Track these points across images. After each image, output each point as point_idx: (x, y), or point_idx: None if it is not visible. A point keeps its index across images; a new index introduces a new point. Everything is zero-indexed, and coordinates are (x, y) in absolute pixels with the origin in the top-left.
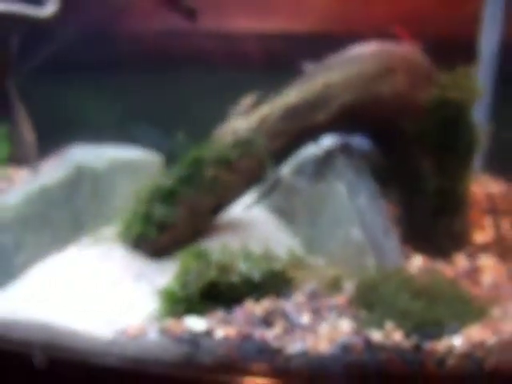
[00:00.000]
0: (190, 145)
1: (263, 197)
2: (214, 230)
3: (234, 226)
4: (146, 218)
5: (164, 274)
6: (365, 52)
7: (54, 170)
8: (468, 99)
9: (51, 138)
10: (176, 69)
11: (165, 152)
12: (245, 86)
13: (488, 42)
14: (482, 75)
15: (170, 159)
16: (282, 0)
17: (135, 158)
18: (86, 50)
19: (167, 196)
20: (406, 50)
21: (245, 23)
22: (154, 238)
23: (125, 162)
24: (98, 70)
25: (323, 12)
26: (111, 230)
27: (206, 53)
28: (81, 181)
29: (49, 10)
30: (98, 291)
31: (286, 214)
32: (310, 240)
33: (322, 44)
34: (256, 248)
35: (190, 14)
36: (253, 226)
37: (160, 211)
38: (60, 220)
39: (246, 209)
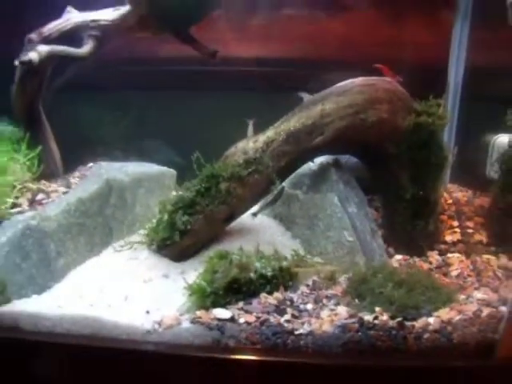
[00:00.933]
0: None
1: (268, 206)
2: (227, 234)
3: (244, 231)
4: (170, 225)
5: (186, 273)
6: (354, 85)
7: (87, 184)
8: (438, 124)
9: (74, 154)
10: (192, 91)
11: (176, 166)
12: (250, 108)
13: (454, 70)
14: (450, 100)
15: (182, 173)
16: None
17: (153, 172)
18: (106, 72)
19: (188, 206)
20: (388, 83)
21: (245, 49)
22: (177, 242)
23: (145, 176)
24: (118, 91)
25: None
26: (137, 235)
27: (215, 77)
28: (110, 193)
29: (85, 49)
30: (132, 288)
31: (286, 220)
32: (307, 242)
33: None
34: (264, 249)
35: (211, 54)
36: (259, 230)
37: (182, 219)
38: (93, 228)
39: (254, 216)
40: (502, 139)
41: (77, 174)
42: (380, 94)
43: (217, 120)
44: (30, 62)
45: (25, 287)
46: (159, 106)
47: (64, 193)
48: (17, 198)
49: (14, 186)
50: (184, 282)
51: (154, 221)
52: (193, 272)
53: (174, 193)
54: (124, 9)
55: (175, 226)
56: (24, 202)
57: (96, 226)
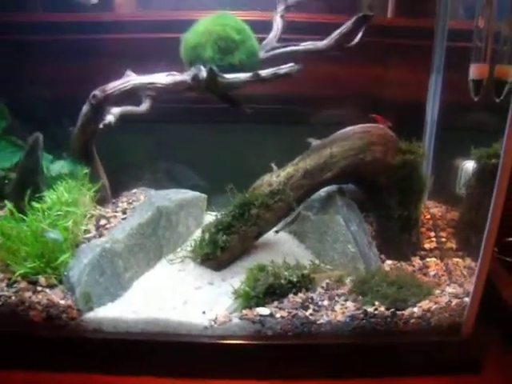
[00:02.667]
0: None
1: (288, 225)
2: (255, 248)
3: (268, 245)
4: (212, 243)
5: (225, 280)
6: (355, 132)
7: (142, 211)
8: (419, 160)
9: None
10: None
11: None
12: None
13: (430, 108)
14: (428, 132)
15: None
16: None
17: (190, 197)
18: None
19: (226, 228)
20: (381, 130)
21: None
22: (218, 256)
23: (184, 201)
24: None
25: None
26: (183, 251)
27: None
28: (160, 217)
29: (144, 107)
30: (187, 294)
31: (300, 235)
32: (318, 253)
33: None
34: (284, 258)
35: (236, 104)
36: (280, 244)
37: (222, 239)
38: (149, 246)
39: (276, 233)
40: (468, 165)
41: (124, 199)
42: (375, 139)
43: (237, 150)
44: (109, 124)
45: (102, 297)
46: (189, 138)
47: (123, 218)
48: (86, 225)
49: (85, 216)
50: (226, 288)
51: (196, 239)
52: (230, 279)
53: (207, 214)
54: (177, 76)
55: (217, 244)
56: (92, 227)
57: (151, 245)
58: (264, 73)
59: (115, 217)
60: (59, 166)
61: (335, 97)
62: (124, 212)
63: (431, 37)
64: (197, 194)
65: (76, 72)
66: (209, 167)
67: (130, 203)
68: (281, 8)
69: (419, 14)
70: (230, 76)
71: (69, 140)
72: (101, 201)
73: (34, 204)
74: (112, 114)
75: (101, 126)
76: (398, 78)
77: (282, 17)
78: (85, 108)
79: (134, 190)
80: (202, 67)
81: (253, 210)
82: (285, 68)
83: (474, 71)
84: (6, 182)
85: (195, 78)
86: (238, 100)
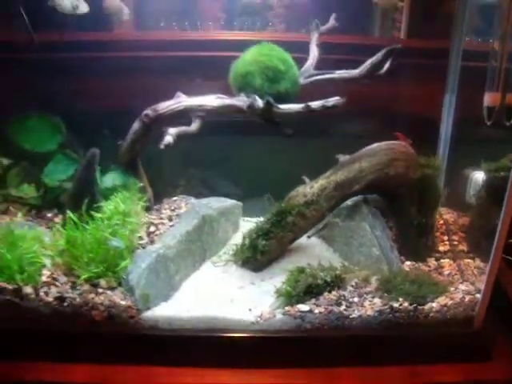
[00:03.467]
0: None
1: (319, 231)
2: (289, 251)
3: (301, 248)
4: (253, 248)
5: (265, 281)
6: (381, 148)
7: (189, 219)
8: (436, 173)
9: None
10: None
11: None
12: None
13: (445, 124)
14: (441, 148)
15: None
16: None
17: (228, 205)
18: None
19: (265, 234)
20: (403, 147)
21: None
22: (257, 259)
23: (224, 209)
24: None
25: None
26: (224, 255)
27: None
28: (204, 224)
29: (194, 127)
30: (233, 293)
31: (329, 240)
32: (345, 255)
33: None
34: (315, 260)
35: (288, 135)
36: (311, 247)
37: (262, 243)
38: (195, 250)
39: (308, 238)
40: (477, 176)
41: (166, 206)
42: (398, 155)
43: (265, 160)
44: (169, 145)
45: (157, 298)
46: (220, 147)
47: (170, 226)
48: (139, 232)
49: (138, 224)
50: (266, 287)
51: (236, 243)
52: (269, 279)
53: (242, 220)
54: (226, 100)
55: (257, 248)
56: (144, 234)
57: (196, 249)
58: (314, 105)
59: (163, 224)
60: (112, 178)
61: (355, 112)
62: (170, 219)
63: (444, 57)
64: (234, 202)
65: (119, 88)
66: (238, 175)
67: (173, 210)
68: (315, 37)
69: (431, 36)
70: (284, 107)
71: (113, 151)
72: (146, 208)
73: (96, 214)
74: (170, 135)
75: (161, 146)
76: (413, 96)
77: (317, 46)
78: (136, 125)
79: (175, 198)
80: (257, 97)
81: (289, 218)
82: (332, 101)
83: (488, 99)
84: (62, 192)
85: (251, 106)
86: (280, 122)
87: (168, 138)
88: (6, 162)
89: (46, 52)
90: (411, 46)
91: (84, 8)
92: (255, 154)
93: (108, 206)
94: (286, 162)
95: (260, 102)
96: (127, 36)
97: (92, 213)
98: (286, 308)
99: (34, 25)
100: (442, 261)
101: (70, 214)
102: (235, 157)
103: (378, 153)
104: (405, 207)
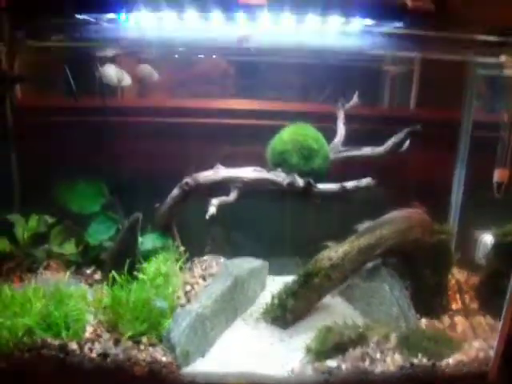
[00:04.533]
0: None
1: (342, 290)
2: (316, 310)
3: (324, 306)
4: (282, 307)
5: (293, 338)
6: (399, 217)
7: (222, 279)
8: (448, 239)
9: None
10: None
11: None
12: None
13: (455, 192)
14: (452, 213)
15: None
16: None
17: (256, 265)
18: None
19: (293, 294)
20: (419, 214)
21: None
22: (286, 317)
23: (252, 269)
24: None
25: None
26: (254, 314)
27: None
28: (236, 285)
29: (232, 197)
30: (263, 349)
31: (350, 299)
32: (366, 313)
33: None
34: (338, 318)
35: (316, 203)
36: (334, 305)
37: (290, 303)
38: (228, 309)
39: (331, 297)
40: (486, 238)
41: (198, 265)
42: (414, 222)
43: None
44: (213, 216)
45: (195, 354)
46: (244, 208)
47: (205, 285)
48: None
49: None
50: (295, 344)
51: (266, 302)
52: (296, 336)
53: (268, 279)
54: (263, 174)
55: (285, 307)
56: (181, 293)
57: (229, 307)
58: (348, 185)
59: (197, 283)
60: (152, 240)
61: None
62: (203, 278)
63: (452, 127)
64: (261, 262)
65: (156, 152)
66: (262, 235)
67: (205, 269)
68: (341, 115)
69: (440, 106)
70: (322, 186)
71: (147, 212)
72: (180, 267)
73: (140, 275)
74: (213, 206)
75: (207, 217)
76: (426, 165)
77: (344, 124)
78: (175, 191)
79: (205, 257)
80: (296, 176)
81: (316, 280)
82: (364, 182)
83: (497, 175)
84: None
85: (291, 184)
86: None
87: (212, 209)
88: (50, 220)
89: (90, 116)
90: (421, 115)
91: (128, 80)
92: (277, 215)
93: (150, 267)
94: (306, 224)
95: (300, 182)
96: (160, 103)
97: (135, 273)
98: (315, 364)
99: (79, 91)
100: (455, 318)
101: (114, 274)
102: (259, 217)
103: (396, 220)
104: (420, 269)
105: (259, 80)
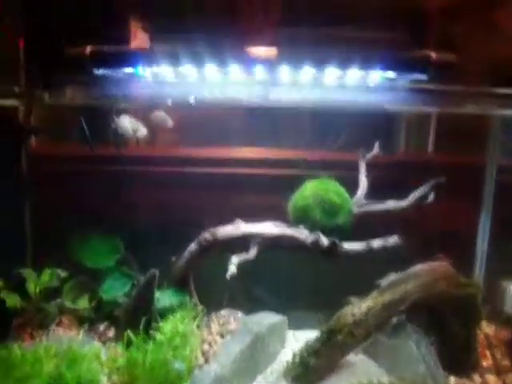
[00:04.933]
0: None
1: (364, 347)
2: (338, 367)
3: (347, 363)
4: (303, 365)
5: None
6: (423, 270)
7: (242, 336)
8: (476, 292)
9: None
10: None
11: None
12: None
13: (480, 240)
14: (477, 263)
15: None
16: None
17: (276, 320)
18: None
19: (314, 353)
20: (444, 267)
21: None
22: (308, 376)
23: (273, 325)
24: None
25: None
26: (274, 371)
27: None
28: (256, 342)
29: (252, 254)
30: None
31: (372, 355)
32: (391, 370)
33: None
34: (361, 375)
35: (332, 253)
36: (357, 362)
37: (312, 361)
38: (248, 366)
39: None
40: None
41: (215, 320)
42: (440, 276)
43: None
44: (234, 275)
45: None
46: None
47: (223, 343)
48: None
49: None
50: None
51: (285, 359)
52: None
53: (288, 333)
54: (285, 230)
55: (307, 366)
56: (199, 353)
57: (249, 365)
58: (375, 245)
59: (215, 341)
60: (168, 297)
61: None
62: (221, 335)
63: (473, 173)
64: (281, 317)
65: (170, 202)
66: (279, 287)
67: (222, 325)
68: (363, 167)
69: (459, 151)
70: (347, 246)
71: (163, 265)
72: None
73: (157, 335)
74: (234, 264)
75: (227, 277)
76: (449, 213)
77: (366, 176)
78: (193, 246)
79: (223, 312)
80: (321, 235)
81: (339, 337)
82: (391, 241)
83: None
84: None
85: (315, 243)
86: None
87: (232, 269)
88: (63, 274)
89: (104, 165)
90: (441, 160)
91: (143, 132)
92: (296, 267)
93: (167, 326)
94: (326, 276)
95: (325, 241)
96: (174, 152)
97: (151, 332)
98: None
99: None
100: (486, 376)
101: (129, 333)
102: (277, 269)
103: (421, 274)
104: (447, 324)
105: (274, 128)
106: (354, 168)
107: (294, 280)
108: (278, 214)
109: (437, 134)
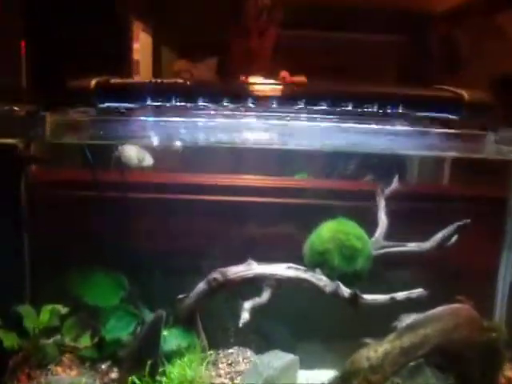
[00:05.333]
0: None
1: None
2: None
3: None
4: None
5: None
6: (445, 313)
7: (252, 379)
8: (499, 337)
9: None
10: None
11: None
12: None
13: (502, 279)
14: (498, 303)
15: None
16: None
17: (288, 361)
18: None
19: None
20: (466, 310)
21: None
22: None
23: (284, 366)
24: None
25: None
26: None
27: None
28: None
29: (265, 297)
30: None
31: None
32: None
33: None
34: None
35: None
36: None
37: None
38: None
39: None
40: None
41: (223, 360)
42: (462, 320)
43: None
44: (247, 320)
45: None
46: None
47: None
48: None
49: None
50: None
51: None
52: None
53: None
54: (300, 273)
55: None
56: None
57: None
58: (399, 296)
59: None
60: (175, 338)
61: None
62: (231, 378)
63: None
64: (292, 357)
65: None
66: (289, 324)
67: (230, 365)
68: (382, 204)
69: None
70: (369, 298)
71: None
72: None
73: (164, 379)
74: (246, 311)
75: (240, 325)
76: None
77: (385, 214)
78: (202, 286)
79: (231, 350)
80: (341, 284)
81: (354, 382)
82: (416, 293)
83: None
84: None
85: (335, 293)
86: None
87: (245, 315)
88: (63, 310)
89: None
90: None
91: (149, 161)
92: (306, 304)
93: (173, 371)
94: (338, 314)
95: (345, 292)
96: (180, 179)
97: (157, 379)
98: None
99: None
100: None
101: (134, 379)
102: (287, 305)
103: (442, 318)
104: (468, 369)
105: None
106: (366, 198)
107: (306, 315)
108: (287, 244)
109: (454, 165)
